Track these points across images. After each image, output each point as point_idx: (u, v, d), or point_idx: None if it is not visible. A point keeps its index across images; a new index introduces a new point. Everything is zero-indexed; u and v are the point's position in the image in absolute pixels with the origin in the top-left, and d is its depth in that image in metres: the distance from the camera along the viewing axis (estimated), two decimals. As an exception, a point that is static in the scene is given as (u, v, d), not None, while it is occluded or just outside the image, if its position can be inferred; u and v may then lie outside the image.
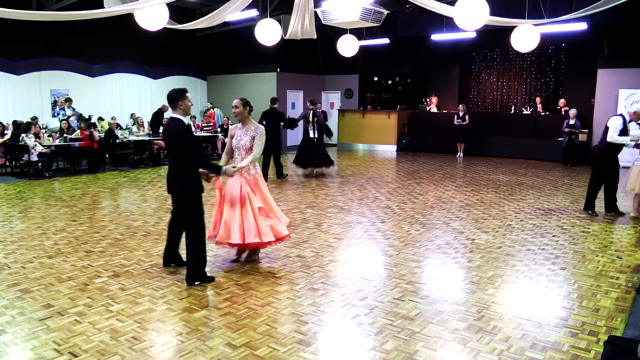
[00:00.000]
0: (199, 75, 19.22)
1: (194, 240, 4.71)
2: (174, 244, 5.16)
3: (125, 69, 16.65)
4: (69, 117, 13.48)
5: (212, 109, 17.32)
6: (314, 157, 11.40)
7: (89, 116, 13.88)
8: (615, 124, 7.38)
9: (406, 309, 4.20)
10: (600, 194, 7.85)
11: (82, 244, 6.07)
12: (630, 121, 7.37)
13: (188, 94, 4.76)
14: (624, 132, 7.32)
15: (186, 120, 4.95)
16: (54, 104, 14.89)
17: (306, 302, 4.33)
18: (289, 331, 3.79)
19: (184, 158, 4.66)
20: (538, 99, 15.71)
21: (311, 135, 11.34)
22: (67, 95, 15.02)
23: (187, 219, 4.75)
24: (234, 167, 5.03)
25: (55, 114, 14.71)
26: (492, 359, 3.41)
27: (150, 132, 13.88)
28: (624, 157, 13.04)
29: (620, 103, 13.47)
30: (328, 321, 3.99)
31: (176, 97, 4.69)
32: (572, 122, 13.27)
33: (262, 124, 10.54)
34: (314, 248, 5.93)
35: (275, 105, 10.92)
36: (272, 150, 10.71)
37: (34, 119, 12.65)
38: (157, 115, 14.27)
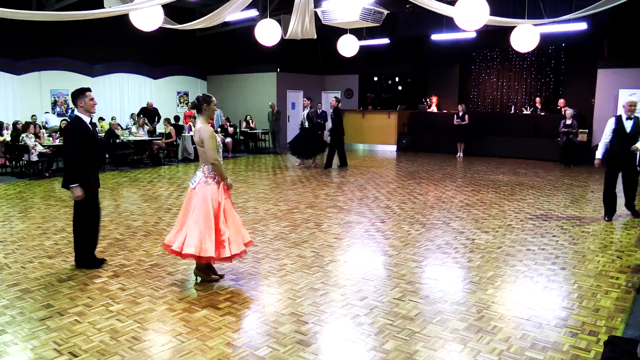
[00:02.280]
0: (199, 75, 19.24)
1: (77, 228, 5.12)
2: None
3: (125, 69, 16.68)
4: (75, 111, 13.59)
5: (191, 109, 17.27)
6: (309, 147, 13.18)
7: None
8: (607, 126, 7.23)
9: (406, 309, 4.20)
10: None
11: (82, 244, 6.06)
12: (627, 118, 7.07)
13: (89, 93, 4.98)
14: (618, 130, 7.08)
15: (87, 119, 5.01)
16: (54, 104, 14.89)
17: (306, 302, 4.33)
18: (289, 331, 3.79)
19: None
20: (538, 99, 15.72)
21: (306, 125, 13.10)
22: (67, 95, 15.03)
23: (75, 209, 5.11)
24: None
25: (57, 114, 14.71)
26: (492, 359, 3.41)
27: (150, 128, 13.99)
28: None
29: (620, 103, 13.46)
30: (328, 321, 3.98)
31: (75, 97, 4.97)
32: (569, 122, 13.28)
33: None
34: (314, 248, 5.93)
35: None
36: (339, 143, 12.87)
37: (33, 117, 12.68)
38: (144, 112, 15.04)
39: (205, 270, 4.83)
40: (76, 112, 5.03)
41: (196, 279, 4.86)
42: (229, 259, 4.66)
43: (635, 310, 4.23)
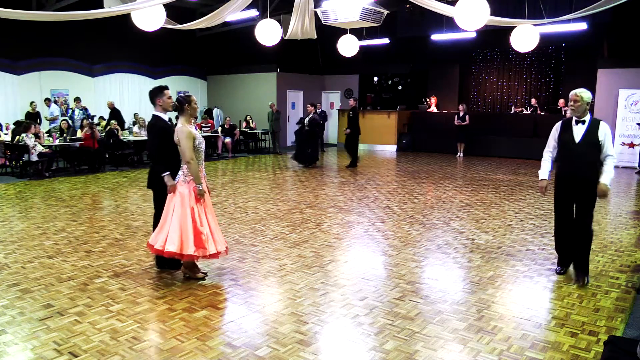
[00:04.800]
0: (199, 75, 19.23)
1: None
2: None
3: (125, 69, 16.67)
4: (76, 111, 13.56)
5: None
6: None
7: (93, 116, 13.91)
8: (552, 132, 5.00)
9: (406, 309, 4.20)
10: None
11: (82, 244, 6.08)
12: (578, 122, 4.76)
13: (167, 91, 4.97)
14: (563, 139, 4.81)
15: (166, 117, 5.02)
16: (54, 103, 14.87)
17: (306, 302, 4.33)
18: (289, 331, 3.79)
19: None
20: (533, 100, 15.74)
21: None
22: (67, 95, 15.03)
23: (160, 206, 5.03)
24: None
25: (60, 114, 14.65)
26: (492, 359, 3.41)
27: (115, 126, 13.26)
28: (624, 156, 13.28)
29: (620, 103, 13.48)
30: (328, 321, 3.98)
31: (154, 95, 4.97)
32: (570, 122, 13.28)
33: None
34: (314, 248, 5.93)
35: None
36: (355, 142, 13.45)
37: (33, 104, 12.71)
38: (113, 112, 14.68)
39: (192, 268, 4.87)
40: (154, 112, 5.01)
41: (184, 276, 4.90)
42: (216, 255, 4.70)
43: (635, 310, 4.23)
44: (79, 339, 3.64)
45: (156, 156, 4.95)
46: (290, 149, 17.71)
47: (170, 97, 5.00)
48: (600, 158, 4.68)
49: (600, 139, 4.64)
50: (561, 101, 14.78)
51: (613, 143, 4.75)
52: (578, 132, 4.73)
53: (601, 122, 4.73)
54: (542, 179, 5.00)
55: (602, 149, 4.66)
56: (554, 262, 5.43)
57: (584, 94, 4.67)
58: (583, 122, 4.74)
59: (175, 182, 4.73)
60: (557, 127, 4.93)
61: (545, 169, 5.00)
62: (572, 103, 4.70)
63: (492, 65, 17.55)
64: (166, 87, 5.05)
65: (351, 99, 13.69)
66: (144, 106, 17.09)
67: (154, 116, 4.99)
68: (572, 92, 4.73)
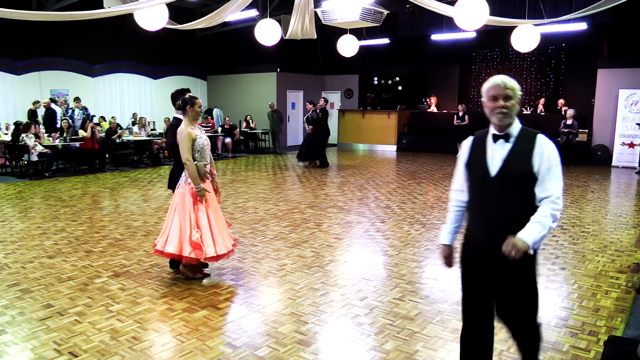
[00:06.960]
0: (199, 75, 19.23)
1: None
2: None
3: (125, 69, 16.66)
4: (76, 111, 13.49)
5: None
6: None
7: (92, 116, 13.91)
8: (459, 159, 2.76)
9: (406, 309, 4.20)
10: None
11: (82, 244, 6.08)
12: (497, 137, 2.54)
13: (189, 93, 4.94)
14: (473, 171, 2.64)
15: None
16: (55, 104, 14.85)
17: (306, 302, 4.33)
18: (289, 331, 3.79)
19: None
20: (542, 100, 15.64)
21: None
22: (67, 95, 15.03)
23: None
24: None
25: (65, 113, 14.60)
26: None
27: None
28: (624, 156, 13.29)
29: (620, 103, 13.48)
30: (328, 321, 3.98)
31: (175, 97, 4.97)
32: (569, 122, 13.29)
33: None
34: (314, 248, 5.93)
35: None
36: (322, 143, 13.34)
37: (36, 104, 12.62)
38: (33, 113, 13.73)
39: (190, 268, 4.85)
40: (175, 114, 5.00)
41: (184, 276, 4.90)
42: (215, 258, 4.69)
43: (635, 310, 4.23)
44: (79, 339, 3.64)
45: (175, 156, 4.94)
46: (290, 149, 17.72)
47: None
48: (536, 202, 2.48)
49: (534, 167, 2.47)
50: (560, 101, 14.77)
51: (559, 174, 2.54)
52: (496, 156, 2.53)
53: (539, 135, 2.53)
54: (442, 244, 2.85)
55: (538, 186, 2.47)
56: (554, 262, 5.43)
57: (515, 83, 2.52)
58: (506, 137, 2.53)
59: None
60: (464, 148, 2.73)
61: (448, 226, 2.83)
62: (501, 102, 2.48)
63: (492, 65, 17.54)
64: (188, 90, 5.07)
65: (321, 100, 13.63)
66: (144, 106, 17.10)
67: (175, 118, 5.02)
68: (497, 83, 2.50)
